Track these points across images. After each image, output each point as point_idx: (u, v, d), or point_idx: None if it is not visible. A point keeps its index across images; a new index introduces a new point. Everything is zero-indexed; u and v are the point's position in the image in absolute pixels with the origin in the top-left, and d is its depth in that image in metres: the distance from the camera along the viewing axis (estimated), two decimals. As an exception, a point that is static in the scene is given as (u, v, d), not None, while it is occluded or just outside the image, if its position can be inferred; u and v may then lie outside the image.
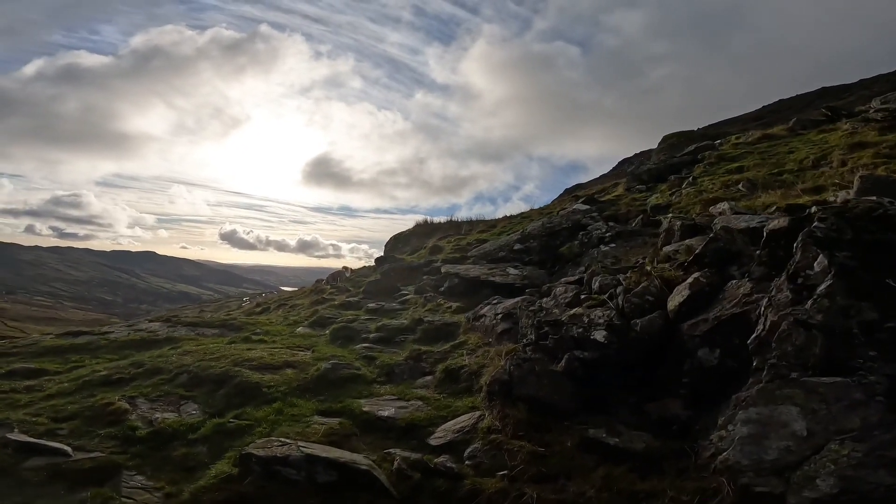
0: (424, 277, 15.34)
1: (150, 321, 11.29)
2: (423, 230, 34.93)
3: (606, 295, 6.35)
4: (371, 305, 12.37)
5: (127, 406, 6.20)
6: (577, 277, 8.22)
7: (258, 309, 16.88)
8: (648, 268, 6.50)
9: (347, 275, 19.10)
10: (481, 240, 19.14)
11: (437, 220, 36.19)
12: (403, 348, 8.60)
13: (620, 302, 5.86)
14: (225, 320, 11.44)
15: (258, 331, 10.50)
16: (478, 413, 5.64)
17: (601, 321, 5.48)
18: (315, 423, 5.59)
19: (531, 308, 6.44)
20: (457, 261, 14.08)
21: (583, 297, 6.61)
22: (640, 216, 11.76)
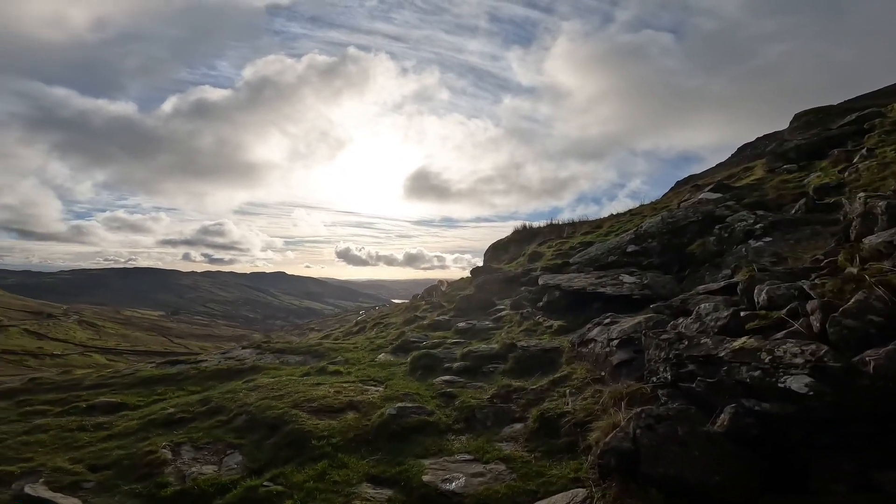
0: (522, 289, 13.52)
1: (245, 347, 11.00)
2: (522, 236, 32.88)
3: (784, 312, 4.10)
4: (461, 325, 10.87)
5: (168, 455, 5.35)
6: (722, 285, 5.91)
7: (356, 328, 16.30)
8: (853, 269, 4.12)
9: (443, 288, 17.91)
10: (586, 243, 16.79)
11: (536, 224, 33.90)
12: (491, 382, 6.91)
13: (817, 324, 3.62)
14: (311, 346, 10.72)
15: (338, 359, 9.55)
16: (583, 492, 3.78)
17: (797, 359, 3.31)
18: (360, 495, 4.16)
19: (662, 334, 4.42)
20: (557, 268, 12.07)
21: (743, 314, 4.41)
22: (802, 200, 8.82)
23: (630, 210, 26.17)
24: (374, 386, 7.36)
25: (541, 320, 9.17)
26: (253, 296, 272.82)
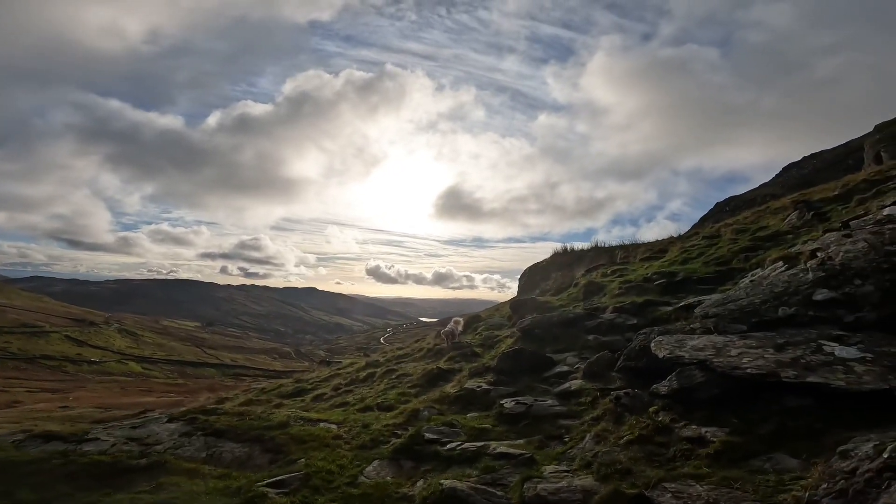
0: (590, 339, 9.09)
1: (172, 418, 6.92)
2: (564, 260, 28.27)
3: None
4: (508, 404, 6.53)
5: None
6: None
7: (363, 375, 12.00)
8: None
9: (459, 329, 13.55)
10: (664, 272, 12.26)
11: (578, 246, 29.31)
12: None
13: None
14: (270, 426, 6.51)
15: (299, 463, 5.34)
16: None
17: None
18: None
19: None
20: (665, 319, 7.67)
21: None
22: None
23: (696, 233, 21.37)
24: None
25: (666, 422, 4.73)
26: (285, 310, 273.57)
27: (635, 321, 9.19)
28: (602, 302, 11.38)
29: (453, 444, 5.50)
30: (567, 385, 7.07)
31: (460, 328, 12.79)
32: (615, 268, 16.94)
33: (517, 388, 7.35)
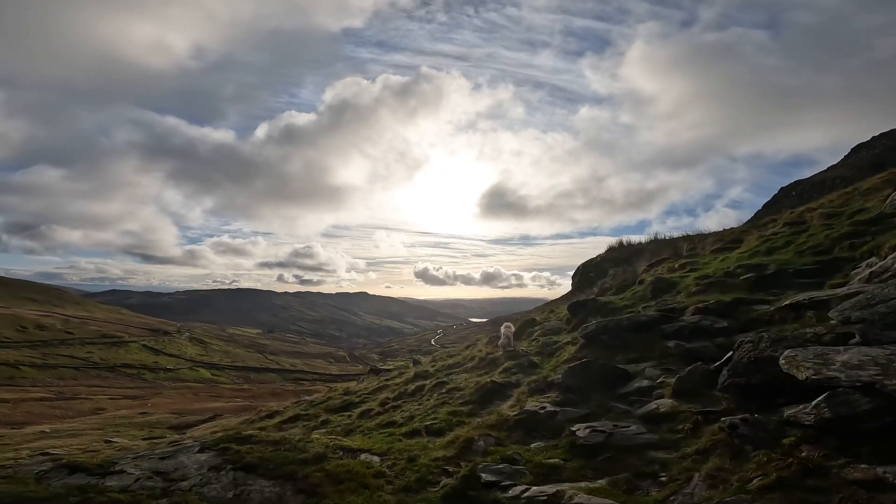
0: (669, 345, 7.70)
1: (201, 450, 6.20)
2: (620, 255, 26.29)
3: None
4: (581, 432, 5.34)
5: None
6: None
7: (412, 388, 11.08)
8: None
9: (511, 332, 12.40)
10: (749, 265, 10.55)
11: (635, 239, 27.22)
12: None
13: None
14: (301, 459, 5.65)
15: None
16: None
17: None
18: None
19: None
20: (765, 321, 6.21)
21: None
22: None
23: (774, 218, 18.98)
24: None
25: (818, 459, 3.40)
26: (338, 315, 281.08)
27: (725, 324, 7.70)
28: (677, 301, 9.86)
29: (517, 490, 4.40)
30: (652, 405, 5.78)
31: (513, 333, 11.61)
32: (683, 261, 15.17)
33: (589, 410, 6.14)
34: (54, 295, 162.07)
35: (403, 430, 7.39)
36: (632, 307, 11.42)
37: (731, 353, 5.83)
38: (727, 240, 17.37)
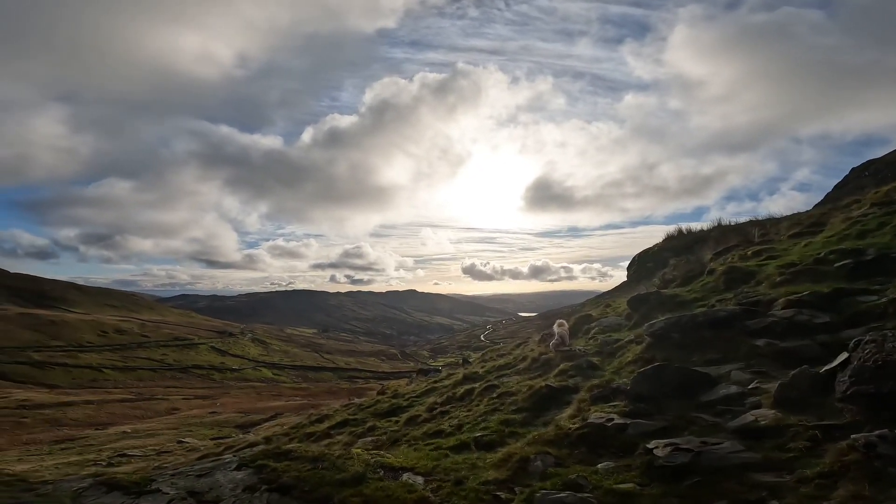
0: (758, 343, 6.57)
1: (238, 467, 5.77)
2: (680, 243, 24.43)
3: None
4: (660, 451, 4.44)
5: None
6: None
7: (460, 391, 10.35)
8: None
9: (566, 331, 11.43)
10: (843, 250, 9.03)
11: (696, 227, 25.19)
12: None
13: None
14: (339, 480, 5.08)
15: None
16: None
17: None
18: None
19: None
20: (878, 315, 5.05)
21: None
22: None
23: (856, 199, 16.70)
24: None
25: None
26: (389, 313, 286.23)
27: (827, 318, 6.47)
28: (759, 293, 8.58)
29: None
30: (749, 417, 4.78)
31: (567, 332, 10.66)
32: (757, 248, 13.58)
33: (666, 422, 5.21)
34: (131, 301, 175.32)
35: (451, 441, 6.73)
36: (703, 300, 10.18)
37: (845, 354, 4.73)
38: (805, 223, 15.48)
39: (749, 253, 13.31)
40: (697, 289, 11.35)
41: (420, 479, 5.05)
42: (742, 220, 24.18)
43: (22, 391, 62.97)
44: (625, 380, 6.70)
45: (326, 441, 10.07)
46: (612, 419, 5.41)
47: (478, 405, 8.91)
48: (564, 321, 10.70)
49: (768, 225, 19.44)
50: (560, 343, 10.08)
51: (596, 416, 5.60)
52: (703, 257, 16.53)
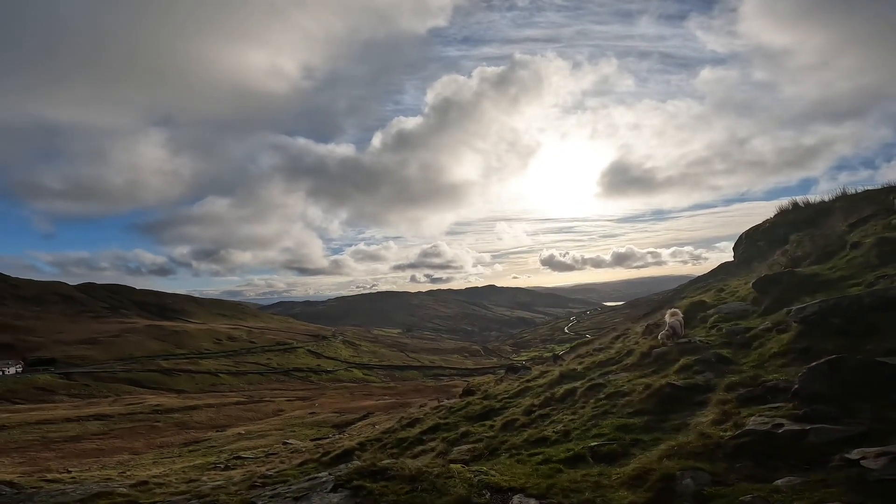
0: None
1: (334, 488, 5.33)
2: (799, 217, 21.07)
3: None
4: (870, 461, 3.24)
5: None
6: None
7: (559, 392, 9.29)
8: None
9: (679, 320, 9.91)
10: None
11: (815, 199, 21.60)
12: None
13: None
14: None
15: None
16: None
17: None
18: None
19: None
20: None
21: None
22: None
23: None
24: None
25: None
26: (469, 310, 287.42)
27: None
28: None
29: None
30: None
31: (681, 321, 9.22)
32: (906, 214, 11.14)
33: (862, 426, 3.92)
34: (238, 310, 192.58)
35: (561, 451, 5.83)
36: (853, 278, 8.32)
37: None
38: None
39: (894, 222, 10.98)
40: (842, 265, 9.37)
41: (533, 502, 4.24)
42: (867, 187, 20.43)
43: (154, 396, 71.19)
44: (775, 375, 5.37)
45: (419, 448, 9.58)
46: (782, 424, 4.19)
47: (583, 407, 7.88)
48: (678, 310, 9.29)
49: (907, 191, 16.21)
50: (672, 334, 8.72)
51: (755, 420, 4.40)
52: (834, 230, 13.97)
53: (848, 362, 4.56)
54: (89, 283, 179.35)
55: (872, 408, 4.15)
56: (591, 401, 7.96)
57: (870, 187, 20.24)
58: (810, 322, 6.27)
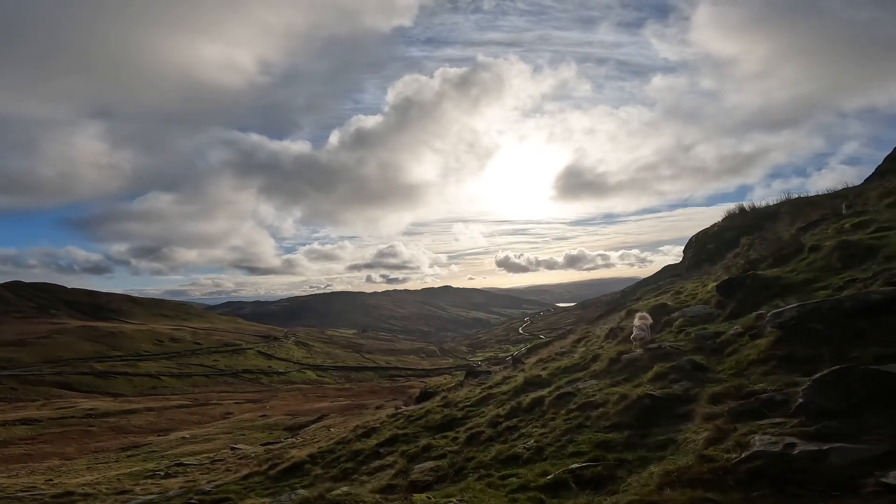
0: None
1: None
2: (746, 221, 21.88)
3: None
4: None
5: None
6: None
7: (525, 400, 8.81)
8: None
9: (645, 332, 9.65)
10: None
11: (762, 204, 22.56)
12: None
13: None
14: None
15: None
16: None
17: None
18: None
19: None
20: None
21: None
22: None
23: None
24: None
25: None
26: (425, 310, 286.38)
27: None
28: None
29: None
30: None
31: (649, 325, 8.90)
32: (854, 220, 11.48)
33: (885, 444, 3.50)
34: (182, 310, 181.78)
35: (538, 475, 5.18)
36: (818, 281, 8.26)
37: None
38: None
39: (847, 225, 11.28)
40: (803, 268, 9.36)
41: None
42: (808, 193, 21.67)
43: (87, 400, 65.56)
44: (762, 385, 4.98)
45: (376, 462, 8.72)
46: (794, 444, 3.71)
47: (553, 419, 7.33)
48: (646, 314, 8.95)
49: (852, 197, 17.07)
50: (643, 337, 8.36)
51: (762, 440, 3.90)
52: (782, 234, 14.32)
53: (852, 372, 4.17)
54: (16, 281, 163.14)
55: (886, 423, 3.76)
56: (562, 412, 7.41)
57: (811, 193, 21.38)
58: (789, 328, 5.98)
